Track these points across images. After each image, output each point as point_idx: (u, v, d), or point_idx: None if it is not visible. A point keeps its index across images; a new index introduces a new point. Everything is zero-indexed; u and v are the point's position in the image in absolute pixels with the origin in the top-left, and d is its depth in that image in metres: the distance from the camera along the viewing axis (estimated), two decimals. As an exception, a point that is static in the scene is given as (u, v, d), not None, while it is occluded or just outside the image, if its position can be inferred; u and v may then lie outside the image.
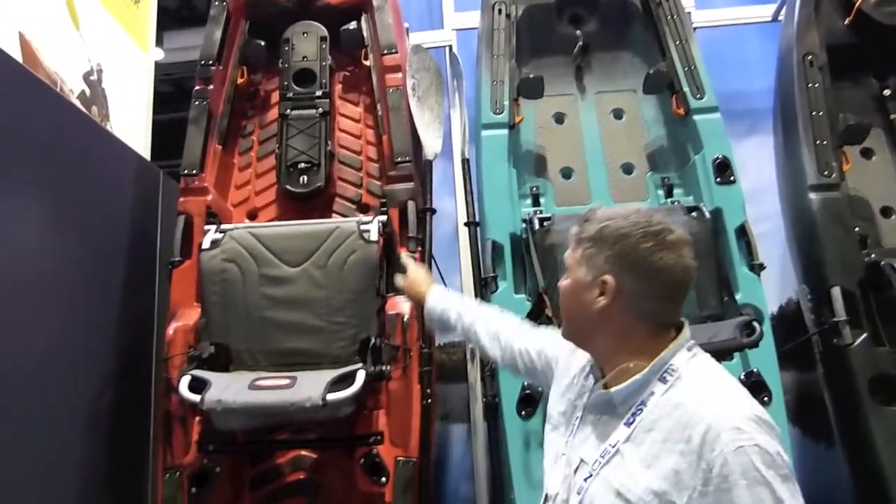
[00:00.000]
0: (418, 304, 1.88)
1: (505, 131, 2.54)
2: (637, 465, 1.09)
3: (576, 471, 1.18)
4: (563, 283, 1.25)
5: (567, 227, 2.33)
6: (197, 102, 2.57)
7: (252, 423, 2.05)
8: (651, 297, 1.16)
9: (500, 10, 2.72)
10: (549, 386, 1.42)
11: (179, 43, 4.34)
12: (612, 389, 1.17)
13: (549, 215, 2.41)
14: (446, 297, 1.76)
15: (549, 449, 1.30)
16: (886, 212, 2.61)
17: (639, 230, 1.15)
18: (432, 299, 1.76)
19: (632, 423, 1.13)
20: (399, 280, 1.89)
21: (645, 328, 1.17)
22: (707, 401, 1.08)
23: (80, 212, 2.35)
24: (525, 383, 2.17)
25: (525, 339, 1.56)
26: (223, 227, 2.35)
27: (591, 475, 1.14)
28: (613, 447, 1.13)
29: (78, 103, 2.79)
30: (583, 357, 1.32)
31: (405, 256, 2.00)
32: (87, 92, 2.92)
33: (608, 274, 1.16)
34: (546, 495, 1.25)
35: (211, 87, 2.60)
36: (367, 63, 2.69)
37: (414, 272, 1.87)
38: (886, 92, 2.78)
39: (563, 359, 1.40)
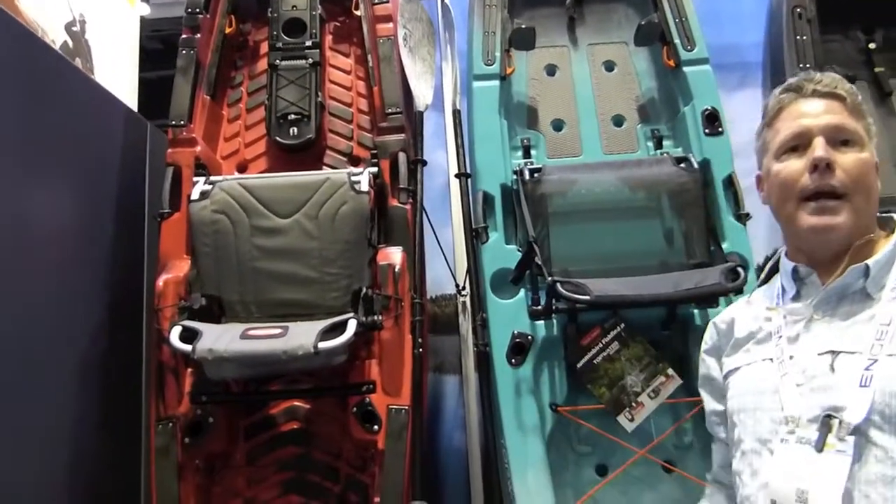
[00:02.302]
0: None
1: (496, 83, 2.42)
2: None
3: (831, 366, 1.00)
4: (861, 155, 1.05)
5: (560, 177, 2.27)
6: (184, 52, 2.41)
7: (244, 373, 1.96)
8: None
9: (492, -40, 2.56)
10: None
11: (166, -2, 4.12)
12: (869, 261, 1.03)
13: (539, 166, 2.31)
14: None
15: (752, 377, 1.14)
16: (870, 164, 2.54)
17: None
18: None
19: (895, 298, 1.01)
20: None
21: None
22: None
23: (66, 163, 2.20)
24: (515, 331, 2.10)
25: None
26: (212, 178, 2.22)
27: (874, 360, 0.96)
28: (889, 325, 0.98)
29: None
30: (740, 310, 1.25)
31: None
32: (70, 43, 2.74)
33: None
34: (775, 429, 1.04)
35: (198, 35, 2.43)
36: (358, 13, 2.53)
37: None
38: (872, 45, 2.69)
39: (717, 343, 1.27)
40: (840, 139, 1.06)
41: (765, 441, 1.06)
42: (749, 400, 1.12)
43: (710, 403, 1.31)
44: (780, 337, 1.10)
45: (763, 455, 1.06)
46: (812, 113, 1.08)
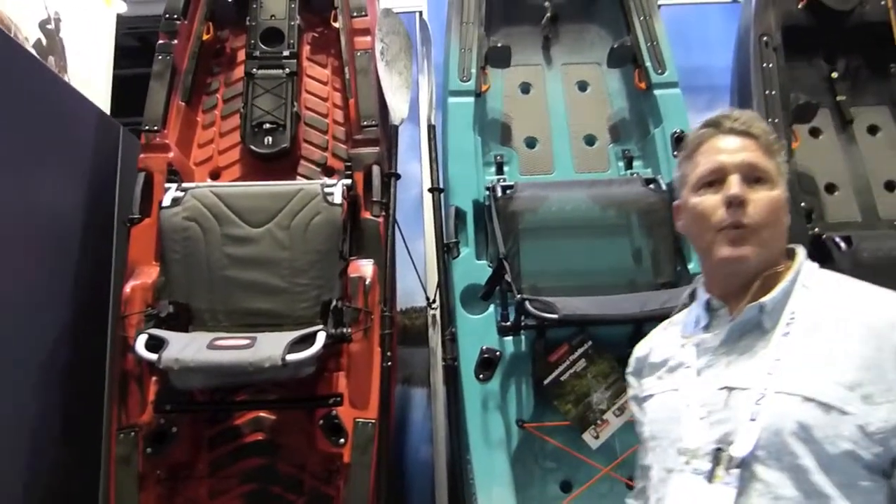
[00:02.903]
0: None
1: (471, 99, 2.42)
2: (815, 367, 1.00)
3: (726, 401, 1.04)
4: (771, 193, 1.09)
5: (532, 194, 2.27)
6: (160, 57, 2.37)
7: (211, 383, 1.91)
8: None
9: (470, -22, 2.56)
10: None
11: (144, -3, 4.04)
12: (765, 298, 1.07)
13: (511, 183, 2.31)
14: None
15: (661, 406, 1.18)
16: (830, 188, 2.57)
17: None
18: None
19: (788, 334, 1.04)
20: None
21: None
22: (868, 294, 1.05)
23: (35, 166, 2.14)
24: (484, 347, 2.09)
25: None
26: (184, 185, 2.18)
27: (762, 395, 1.00)
28: (779, 360, 1.02)
29: (34, 52, 2.55)
30: (659, 335, 1.28)
31: None
32: (44, 41, 2.67)
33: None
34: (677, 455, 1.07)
35: (175, 41, 2.39)
36: (337, 25, 2.51)
37: None
38: (835, 74, 2.74)
39: (639, 365, 1.29)
40: (753, 177, 1.10)
41: (669, 470, 1.09)
42: (658, 428, 1.16)
43: (640, 424, 1.33)
44: (688, 368, 1.14)
45: (667, 484, 1.09)
46: (728, 149, 1.12)
